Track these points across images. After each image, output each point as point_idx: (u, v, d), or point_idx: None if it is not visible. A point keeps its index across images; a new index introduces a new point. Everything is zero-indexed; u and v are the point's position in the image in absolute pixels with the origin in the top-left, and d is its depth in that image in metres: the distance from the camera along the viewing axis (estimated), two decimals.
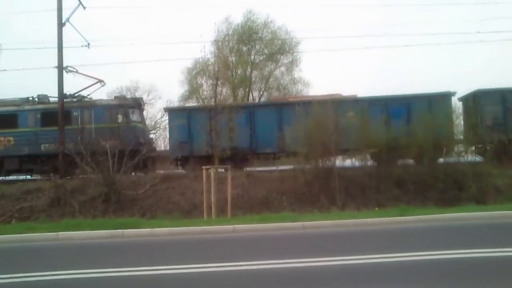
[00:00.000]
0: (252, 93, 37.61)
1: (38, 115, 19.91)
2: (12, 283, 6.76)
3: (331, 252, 7.90)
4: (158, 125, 34.77)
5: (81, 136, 18.51)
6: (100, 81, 20.65)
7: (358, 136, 16.43)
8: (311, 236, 10.45)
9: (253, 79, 37.77)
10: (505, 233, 9.66)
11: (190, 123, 19.12)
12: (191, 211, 14.92)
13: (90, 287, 6.68)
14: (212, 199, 13.80)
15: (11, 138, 19.68)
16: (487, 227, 10.38)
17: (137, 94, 39.15)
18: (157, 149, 22.80)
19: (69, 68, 19.93)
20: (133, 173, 17.76)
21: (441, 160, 16.63)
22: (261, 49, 37.64)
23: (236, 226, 11.34)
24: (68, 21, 19.36)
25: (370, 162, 16.84)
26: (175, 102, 35.63)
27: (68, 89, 19.75)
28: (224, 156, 16.53)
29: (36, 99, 20.58)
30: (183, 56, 50.94)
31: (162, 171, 18.27)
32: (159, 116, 34.47)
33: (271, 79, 38.07)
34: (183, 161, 19.28)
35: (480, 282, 6.02)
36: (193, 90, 35.36)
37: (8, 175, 19.91)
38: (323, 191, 15.08)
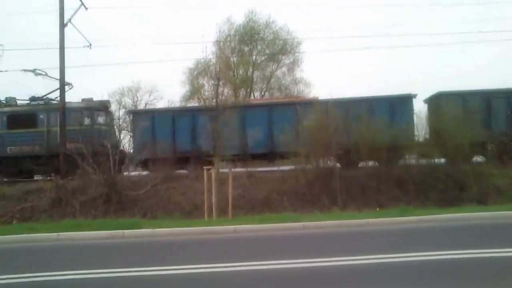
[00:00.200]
0: (253, 93, 37.61)
1: (5, 118, 20.00)
2: (13, 284, 6.78)
3: (332, 252, 7.90)
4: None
5: (47, 138, 19.04)
6: (67, 84, 20.81)
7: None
8: (312, 236, 10.45)
9: (255, 80, 37.76)
10: (506, 233, 9.66)
11: (154, 125, 19.27)
12: (192, 212, 14.92)
13: (90, 287, 6.69)
14: (213, 200, 13.80)
15: None
16: (488, 227, 10.37)
17: (138, 95, 39.39)
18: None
19: (37, 71, 20.13)
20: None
21: (402, 161, 16.88)
22: (262, 50, 37.63)
23: (237, 226, 11.35)
24: (70, 21, 19.37)
25: (334, 164, 16.73)
26: (176, 103, 35.64)
27: (36, 92, 19.98)
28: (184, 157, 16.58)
29: (4, 102, 20.67)
30: (185, 56, 51.14)
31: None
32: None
33: (272, 80, 38.06)
34: (146, 163, 19.17)
35: (481, 283, 6.02)
36: (195, 90, 35.35)
37: None
38: (324, 192, 15.08)
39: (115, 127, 20.67)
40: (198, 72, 35.21)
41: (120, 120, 20.19)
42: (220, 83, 19.38)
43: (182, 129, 18.93)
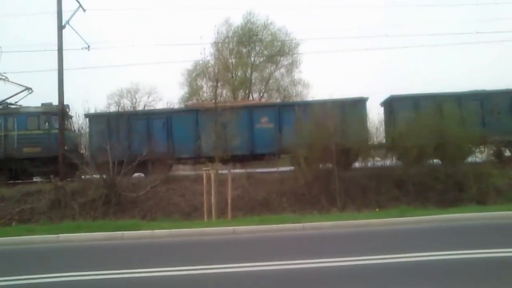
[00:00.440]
0: (252, 94, 37.61)
1: None
2: (12, 285, 6.76)
3: (331, 253, 7.90)
4: None
5: (4, 142, 19.19)
6: (27, 88, 20.99)
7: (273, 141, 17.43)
8: (311, 237, 10.44)
9: (253, 81, 37.76)
10: (506, 233, 9.65)
11: (110, 128, 19.31)
12: (191, 213, 14.92)
13: None
14: (213, 201, 13.80)
15: None
16: (487, 227, 10.37)
17: (137, 96, 39.38)
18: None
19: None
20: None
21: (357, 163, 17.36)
22: (261, 51, 37.64)
23: (236, 227, 11.33)
24: (68, 23, 19.38)
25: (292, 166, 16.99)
26: (175, 104, 35.64)
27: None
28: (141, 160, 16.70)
29: None
30: (183, 58, 51.08)
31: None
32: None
33: (271, 81, 38.06)
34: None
35: (480, 283, 6.01)
36: (193, 92, 35.42)
37: None
38: (323, 192, 15.08)
39: (75, 131, 20.79)
40: (196, 74, 35.29)
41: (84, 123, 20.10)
42: (219, 84, 19.42)
43: (138, 132, 19.00)
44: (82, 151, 20.47)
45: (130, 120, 19.44)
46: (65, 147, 19.00)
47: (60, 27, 18.94)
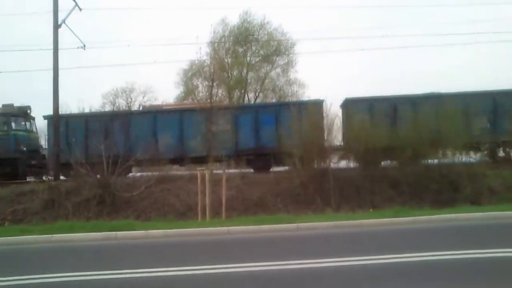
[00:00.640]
0: (248, 94, 37.64)
1: None
2: (4, 286, 6.73)
3: (325, 253, 7.90)
4: None
5: None
6: None
7: (230, 144, 17.68)
8: (305, 237, 10.44)
9: (249, 81, 37.77)
10: (500, 233, 9.68)
11: (68, 130, 19.44)
12: (185, 213, 14.86)
13: None
14: (207, 201, 13.77)
15: None
16: (481, 227, 10.39)
17: (132, 96, 39.32)
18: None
19: None
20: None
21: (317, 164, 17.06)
22: (257, 51, 37.65)
23: (231, 227, 11.32)
24: (64, 22, 19.29)
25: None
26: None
27: None
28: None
29: None
30: (179, 57, 51.04)
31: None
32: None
33: (266, 81, 38.09)
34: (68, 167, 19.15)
35: (474, 283, 6.03)
36: (189, 91, 35.36)
37: None
38: (318, 193, 15.06)
39: (36, 132, 20.90)
40: (192, 73, 35.23)
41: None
42: (214, 84, 19.45)
43: (95, 134, 18.77)
44: (43, 152, 20.65)
45: (87, 122, 19.48)
46: (22, 149, 19.21)
47: (56, 26, 18.85)
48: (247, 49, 37.41)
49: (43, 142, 23.32)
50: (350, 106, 19.09)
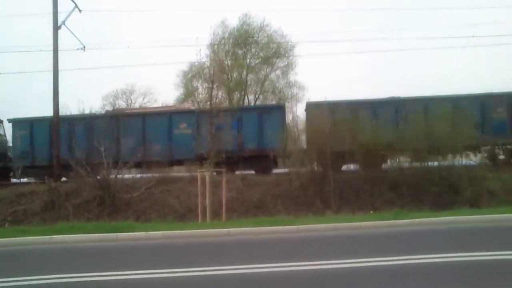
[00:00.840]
0: (247, 96, 37.65)
1: None
2: (4, 287, 6.72)
3: (325, 255, 7.89)
4: None
5: None
6: None
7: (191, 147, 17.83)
8: (305, 239, 10.43)
9: (249, 83, 37.80)
10: (499, 236, 9.69)
11: (32, 133, 19.74)
12: (185, 215, 14.88)
13: None
14: (207, 203, 13.78)
15: None
16: (481, 230, 10.40)
17: (132, 97, 39.35)
18: None
19: None
20: None
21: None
22: (256, 53, 37.69)
23: (231, 229, 11.32)
24: (64, 24, 19.32)
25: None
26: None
27: None
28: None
29: None
30: (179, 59, 51.00)
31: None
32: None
33: (266, 83, 38.12)
34: (26, 170, 19.74)
35: (473, 285, 6.04)
36: (189, 93, 35.36)
37: None
38: (318, 195, 15.09)
39: (4, 135, 21.31)
40: (192, 75, 35.28)
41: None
42: (214, 86, 19.45)
43: (60, 137, 19.32)
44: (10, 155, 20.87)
45: (51, 125, 19.59)
46: None
47: (56, 28, 18.89)
48: (246, 51, 37.45)
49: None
50: (311, 110, 19.32)
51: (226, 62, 35.97)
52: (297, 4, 59.44)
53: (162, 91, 68.43)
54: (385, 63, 65.14)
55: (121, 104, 39.35)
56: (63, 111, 19.73)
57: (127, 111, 20.00)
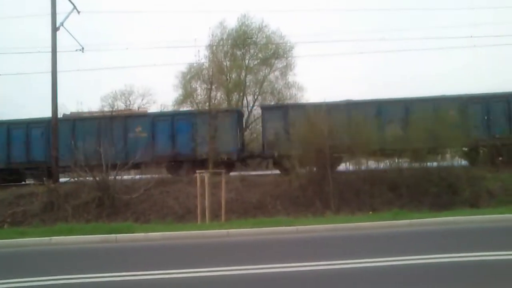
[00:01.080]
0: (246, 97, 37.58)
1: None
2: None
3: (325, 256, 7.88)
4: None
5: None
6: None
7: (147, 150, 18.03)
8: (305, 240, 10.42)
9: (248, 84, 37.68)
10: (498, 236, 9.70)
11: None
12: (185, 216, 14.89)
13: None
14: (206, 204, 13.78)
15: None
16: (480, 230, 10.41)
17: (131, 98, 39.35)
18: None
19: None
20: None
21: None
22: (255, 54, 37.57)
23: (230, 230, 11.32)
24: (62, 25, 19.30)
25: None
26: (169, 107, 35.67)
27: None
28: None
29: None
30: (178, 60, 50.93)
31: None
32: None
33: (265, 84, 37.99)
34: None
35: (473, 286, 6.04)
36: (187, 94, 35.26)
37: None
38: (317, 195, 15.11)
39: None
40: (191, 76, 35.15)
41: None
42: (213, 87, 19.55)
43: (17, 141, 19.76)
44: None
45: (10, 128, 20.01)
46: None
47: (54, 29, 18.85)
48: (245, 52, 37.35)
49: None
50: (266, 113, 19.75)
51: (224, 63, 35.89)
52: (296, 4, 59.50)
53: (161, 92, 68.18)
54: (385, 63, 65.25)
55: (120, 105, 39.26)
56: (61, 112, 19.77)
57: (83, 115, 20.23)
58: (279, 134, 18.37)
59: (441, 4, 55.86)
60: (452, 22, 49.43)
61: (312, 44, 69.52)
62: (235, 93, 36.48)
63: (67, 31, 19.77)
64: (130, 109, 24.46)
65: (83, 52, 20.95)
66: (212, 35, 35.11)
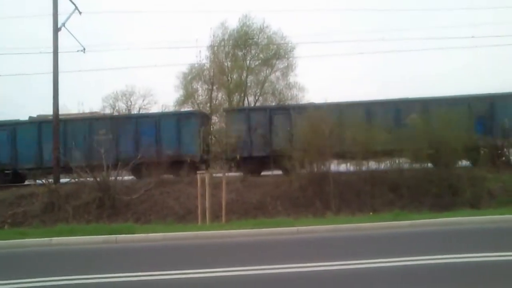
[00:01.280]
0: (247, 98, 37.60)
1: None
2: None
3: (325, 257, 7.88)
4: None
5: None
6: None
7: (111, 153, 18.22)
8: (305, 241, 10.42)
9: (249, 84, 37.71)
10: (499, 237, 9.68)
11: None
12: (185, 216, 14.89)
13: None
14: (207, 204, 13.78)
15: None
16: (481, 231, 10.39)
17: (132, 99, 39.39)
18: None
19: None
20: None
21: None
22: (256, 54, 37.61)
23: (231, 231, 11.32)
24: (64, 26, 19.31)
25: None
26: (170, 107, 35.74)
27: None
28: None
29: None
30: (179, 61, 50.96)
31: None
32: None
33: (266, 84, 38.03)
34: None
35: (474, 287, 6.03)
36: (189, 95, 35.35)
37: None
38: (318, 196, 15.09)
39: None
40: (192, 77, 35.23)
41: None
42: (214, 87, 19.65)
43: None
44: None
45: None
46: None
47: (56, 30, 18.86)
48: (246, 53, 37.38)
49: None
50: (228, 116, 20.22)
51: (226, 64, 35.97)
52: (297, 4, 59.48)
53: (162, 93, 68.28)
54: (385, 63, 65.22)
55: (121, 106, 39.31)
56: (61, 112, 19.79)
57: (49, 118, 20.48)
58: (241, 137, 18.66)
59: (441, 4, 55.85)
60: (453, 22, 49.39)
61: (313, 45, 69.36)
62: (236, 94, 36.52)
63: (69, 31, 19.79)
64: (97, 112, 24.61)
65: (84, 52, 20.99)
66: (213, 35, 35.25)
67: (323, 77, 55.76)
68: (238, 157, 18.57)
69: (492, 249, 7.71)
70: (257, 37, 37.24)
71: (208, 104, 33.24)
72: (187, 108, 32.78)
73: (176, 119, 19.84)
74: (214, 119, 27.75)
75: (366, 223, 11.65)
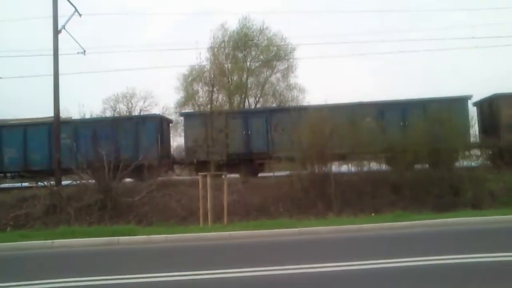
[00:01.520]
0: (248, 99, 37.59)
1: None
2: None
3: (327, 258, 7.89)
4: None
5: None
6: None
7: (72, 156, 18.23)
8: (307, 242, 10.43)
9: (249, 86, 37.71)
10: (501, 237, 9.68)
11: None
12: (187, 218, 14.88)
13: None
14: (208, 206, 13.78)
15: None
16: (482, 232, 10.40)
17: (133, 101, 39.36)
18: None
19: None
20: None
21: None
22: (256, 56, 37.60)
23: (232, 232, 11.32)
24: (64, 28, 19.32)
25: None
26: (171, 109, 35.72)
27: None
28: None
29: None
30: (180, 63, 50.94)
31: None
32: None
33: (267, 86, 38.03)
34: None
35: (475, 287, 6.03)
36: (189, 96, 35.31)
37: None
38: (319, 197, 15.08)
39: None
40: (192, 78, 35.21)
41: None
42: (214, 89, 19.66)
43: None
44: None
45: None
46: None
47: (56, 32, 18.86)
48: (247, 54, 37.37)
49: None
50: (187, 120, 20.37)
51: (226, 65, 35.93)
52: (296, 6, 59.51)
53: (163, 94, 68.25)
54: (385, 64, 65.24)
55: (122, 107, 39.26)
56: (63, 115, 19.80)
57: (9, 122, 20.52)
58: (199, 141, 18.70)
59: (441, 5, 55.87)
60: (452, 23, 49.40)
61: (313, 46, 69.37)
62: (237, 95, 36.52)
63: (69, 34, 19.79)
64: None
65: (84, 54, 20.99)
66: (214, 37, 35.18)
67: (324, 78, 55.72)
68: (195, 161, 18.80)
69: (494, 250, 7.71)
70: (257, 38, 37.26)
71: (209, 106, 33.20)
72: (188, 110, 32.78)
73: (134, 123, 19.91)
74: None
75: (368, 224, 11.66)
